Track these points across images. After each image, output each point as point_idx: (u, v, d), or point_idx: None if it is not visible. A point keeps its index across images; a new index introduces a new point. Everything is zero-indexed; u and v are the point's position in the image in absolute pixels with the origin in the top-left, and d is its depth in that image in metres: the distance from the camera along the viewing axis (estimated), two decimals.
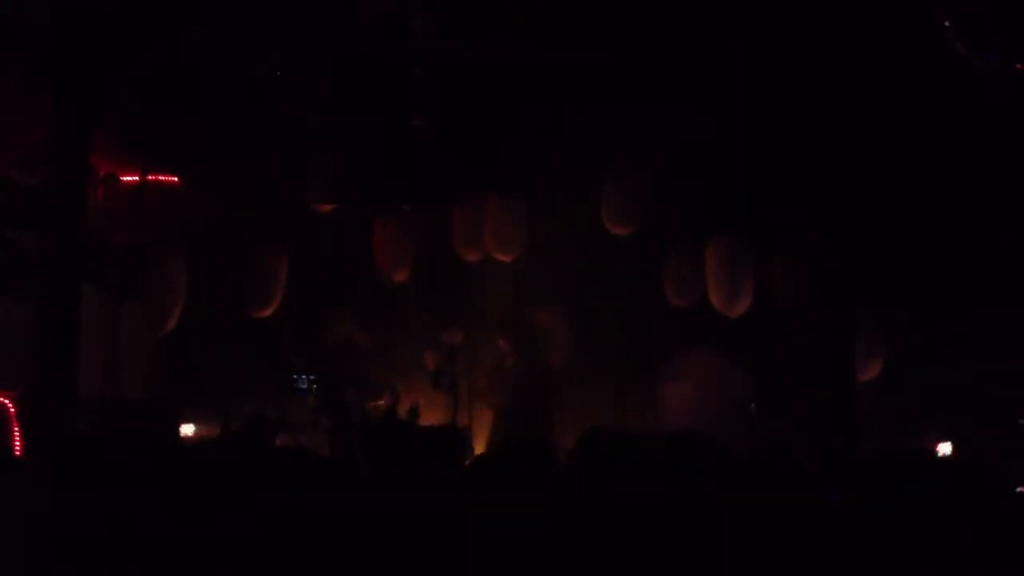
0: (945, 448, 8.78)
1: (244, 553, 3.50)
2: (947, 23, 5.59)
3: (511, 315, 9.87)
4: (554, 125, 8.33)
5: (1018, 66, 5.50)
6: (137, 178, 9.48)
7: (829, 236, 8.21)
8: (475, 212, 9.63)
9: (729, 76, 7.43)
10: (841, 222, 8.14)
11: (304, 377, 9.76)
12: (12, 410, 7.71)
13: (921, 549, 3.16)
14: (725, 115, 7.87)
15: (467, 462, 4.60)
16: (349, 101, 7.24)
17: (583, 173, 8.93)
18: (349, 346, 9.92)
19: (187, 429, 9.46)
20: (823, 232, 8.23)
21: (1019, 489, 4.20)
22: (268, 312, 9.66)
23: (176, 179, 9.70)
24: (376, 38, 7.02)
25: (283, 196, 9.28)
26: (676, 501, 3.51)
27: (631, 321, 10.00)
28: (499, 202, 9.52)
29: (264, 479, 4.02)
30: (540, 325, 9.83)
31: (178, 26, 7.30)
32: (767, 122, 7.88)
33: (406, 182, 7.47)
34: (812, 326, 8.32)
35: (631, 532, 3.36)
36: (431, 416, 9.79)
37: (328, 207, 8.89)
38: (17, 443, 7.55)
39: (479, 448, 9.28)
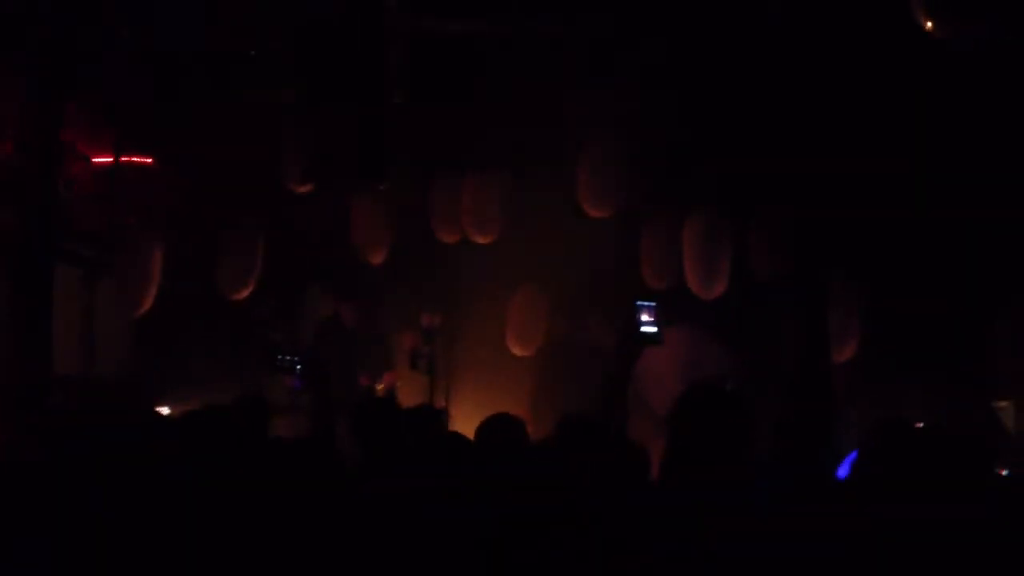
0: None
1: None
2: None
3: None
4: (533, 102, 8.30)
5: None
6: (111, 158, 9.41)
7: (803, 210, 8.21)
8: (452, 192, 9.60)
9: (705, 49, 7.43)
10: (816, 196, 8.13)
11: (288, 356, 9.66)
12: None
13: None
14: (699, 90, 7.87)
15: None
16: (323, 79, 7.18)
17: (561, 152, 8.91)
18: (335, 323, 9.83)
19: (164, 409, 9.40)
20: (797, 206, 8.23)
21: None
22: (245, 293, 9.60)
23: (150, 159, 9.64)
24: (350, 13, 6.99)
25: (258, 176, 9.23)
26: None
27: (610, 302, 9.99)
28: (476, 183, 9.48)
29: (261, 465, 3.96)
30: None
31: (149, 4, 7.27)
32: (741, 96, 7.87)
33: (381, 161, 7.42)
34: (787, 301, 8.33)
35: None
36: (408, 397, 9.77)
37: (303, 187, 8.85)
38: None
39: (460, 429, 9.23)
